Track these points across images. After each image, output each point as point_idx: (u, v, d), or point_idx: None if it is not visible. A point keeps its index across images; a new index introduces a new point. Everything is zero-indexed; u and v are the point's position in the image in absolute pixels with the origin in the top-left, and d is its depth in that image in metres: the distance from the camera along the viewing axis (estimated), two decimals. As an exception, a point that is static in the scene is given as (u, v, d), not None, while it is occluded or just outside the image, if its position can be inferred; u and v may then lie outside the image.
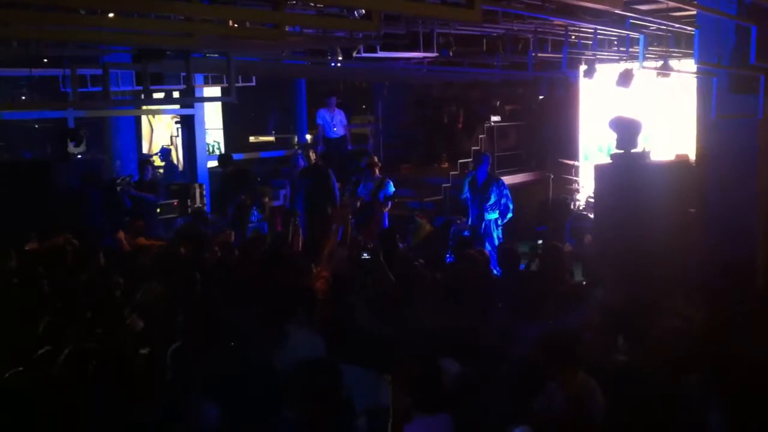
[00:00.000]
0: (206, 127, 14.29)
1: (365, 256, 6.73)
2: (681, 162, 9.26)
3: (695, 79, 8.97)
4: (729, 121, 8.01)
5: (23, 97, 16.39)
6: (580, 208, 13.27)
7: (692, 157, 9.09)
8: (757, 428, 3.99)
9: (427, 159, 15.79)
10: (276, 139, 19.04)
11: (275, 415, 4.12)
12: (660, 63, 9.56)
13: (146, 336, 5.35)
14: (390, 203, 11.16)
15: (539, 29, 11.07)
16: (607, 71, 12.04)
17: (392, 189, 11.21)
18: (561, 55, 10.95)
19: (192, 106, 13.26)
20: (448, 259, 9.83)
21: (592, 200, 11.05)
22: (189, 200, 11.65)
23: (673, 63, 10.01)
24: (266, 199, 12.23)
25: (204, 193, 12.16)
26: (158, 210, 11.25)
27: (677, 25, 9.13)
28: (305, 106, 16.71)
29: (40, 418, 4.03)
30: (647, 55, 9.74)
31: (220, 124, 17.31)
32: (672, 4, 8.13)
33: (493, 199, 10.64)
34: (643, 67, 9.09)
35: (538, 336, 4.71)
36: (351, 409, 4.19)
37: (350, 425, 4.12)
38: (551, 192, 14.51)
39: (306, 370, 3.98)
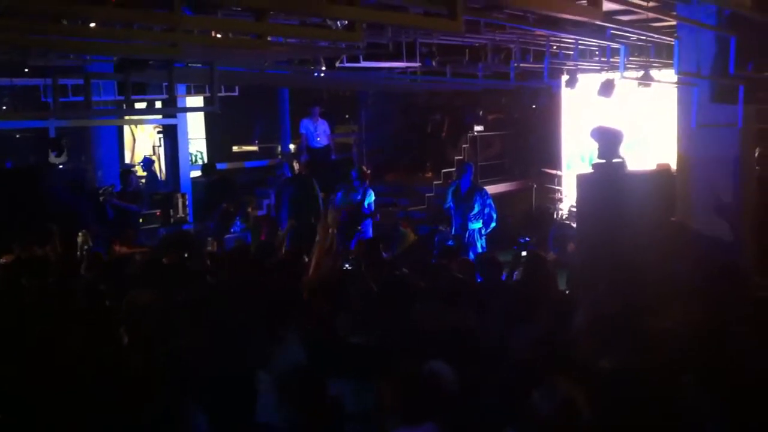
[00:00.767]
0: (189, 136, 14.25)
1: (347, 266, 6.73)
2: (662, 171, 9.33)
3: (676, 89, 9.05)
4: (710, 131, 8.09)
5: (4, 107, 16.26)
6: (563, 217, 13.34)
7: (674, 166, 9.16)
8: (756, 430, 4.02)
9: (411, 168, 15.83)
10: (259, 148, 19.02)
11: (262, 421, 4.12)
12: (641, 73, 9.66)
13: (135, 344, 5.32)
14: (378, 213, 11.16)
15: (521, 39, 11.14)
16: (589, 81, 12.13)
17: (373, 197, 11.23)
18: (543, 65, 11.02)
19: (175, 116, 13.22)
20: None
21: (575, 209, 11.11)
22: (171, 210, 11.61)
23: (654, 73, 10.11)
24: (250, 209, 12.21)
25: (187, 202, 12.13)
26: (141, 220, 11.20)
27: (657, 36, 9.22)
28: (288, 116, 16.71)
29: (34, 424, 4.02)
30: (628, 65, 9.83)
31: (203, 134, 17.27)
32: (652, 15, 8.21)
33: (476, 209, 10.67)
34: (624, 77, 9.18)
35: (527, 342, 4.72)
36: (338, 415, 4.19)
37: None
38: (534, 201, 14.58)
39: (291, 378, 3.98)
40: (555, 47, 11.39)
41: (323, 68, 10.60)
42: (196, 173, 13.49)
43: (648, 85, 9.60)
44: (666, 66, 10.59)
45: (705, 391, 4.23)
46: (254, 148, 19.28)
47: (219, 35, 7.18)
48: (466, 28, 9.03)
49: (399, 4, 6.13)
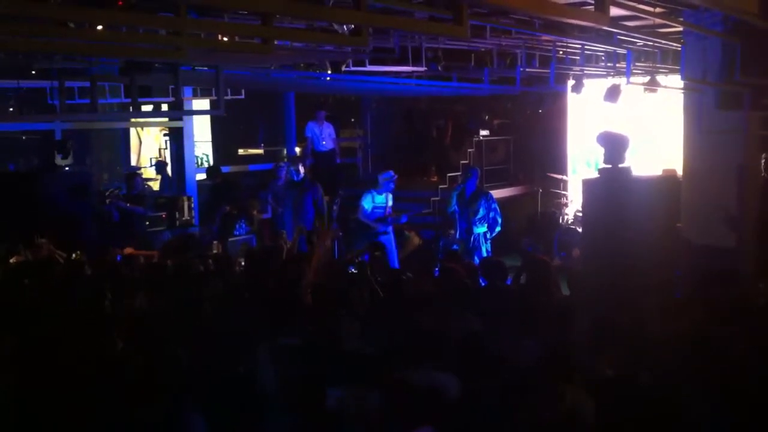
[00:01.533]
0: (195, 139, 14.25)
1: (352, 269, 6.73)
2: (668, 177, 9.30)
3: (682, 95, 9.03)
4: (716, 136, 8.07)
5: (11, 109, 16.32)
6: (569, 222, 13.30)
7: (680, 172, 9.14)
8: None
9: (415, 172, 15.79)
10: (265, 151, 19.03)
11: (262, 427, 4.11)
12: (647, 78, 9.64)
13: (134, 347, 5.32)
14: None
15: (527, 44, 11.14)
16: (595, 86, 12.12)
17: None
18: (549, 70, 11.01)
19: (180, 119, 13.24)
20: (437, 273, 9.80)
21: (581, 214, 11.08)
22: (177, 213, 11.60)
23: (660, 78, 10.09)
24: (255, 212, 12.20)
25: (192, 205, 12.11)
26: (147, 223, 11.21)
27: (664, 42, 9.21)
28: (294, 119, 16.72)
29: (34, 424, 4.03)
30: (634, 71, 9.83)
31: (209, 137, 17.29)
32: (658, 21, 8.20)
33: (481, 213, 10.64)
34: (630, 83, 9.16)
35: (532, 349, 4.71)
36: (338, 420, 4.18)
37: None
38: (539, 206, 14.55)
39: (295, 382, 3.98)
40: (561, 52, 11.38)
41: (329, 72, 10.60)
42: (201, 176, 13.50)
43: (654, 91, 9.58)
44: (672, 72, 10.58)
45: (705, 397, 4.22)
46: (260, 151, 19.29)
47: (225, 39, 7.19)
48: (472, 33, 9.05)
49: (405, 9, 6.14)
